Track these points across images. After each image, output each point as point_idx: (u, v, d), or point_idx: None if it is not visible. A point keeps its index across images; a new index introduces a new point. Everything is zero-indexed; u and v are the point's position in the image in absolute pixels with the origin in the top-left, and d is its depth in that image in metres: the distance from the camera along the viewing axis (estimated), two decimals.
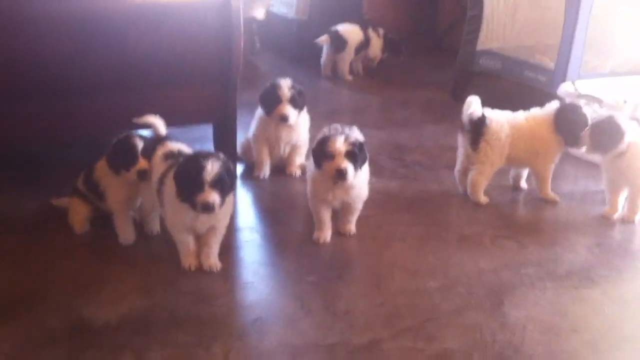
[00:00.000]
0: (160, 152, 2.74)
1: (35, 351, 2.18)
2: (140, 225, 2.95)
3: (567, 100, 3.67)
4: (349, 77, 5.74)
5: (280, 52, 6.32)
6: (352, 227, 2.99)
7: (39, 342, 2.22)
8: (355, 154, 2.71)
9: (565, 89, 3.95)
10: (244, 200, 3.43)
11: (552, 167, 3.37)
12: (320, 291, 2.55)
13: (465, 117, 3.29)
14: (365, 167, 2.90)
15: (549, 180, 3.39)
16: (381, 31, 5.87)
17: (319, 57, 5.79)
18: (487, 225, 3.12)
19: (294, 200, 3.39)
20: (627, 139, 3.05)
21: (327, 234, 2.93)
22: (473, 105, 3.25)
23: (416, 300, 2.50)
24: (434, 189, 3.53)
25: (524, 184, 3.53)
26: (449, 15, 6.82)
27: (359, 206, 2.96)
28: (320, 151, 2.75)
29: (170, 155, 2.69)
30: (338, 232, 2.97)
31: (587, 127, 3.15)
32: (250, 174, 3.62)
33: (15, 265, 2.67)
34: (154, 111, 3.33)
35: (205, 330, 2.28)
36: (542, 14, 5.13)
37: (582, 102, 3.60)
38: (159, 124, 2.86)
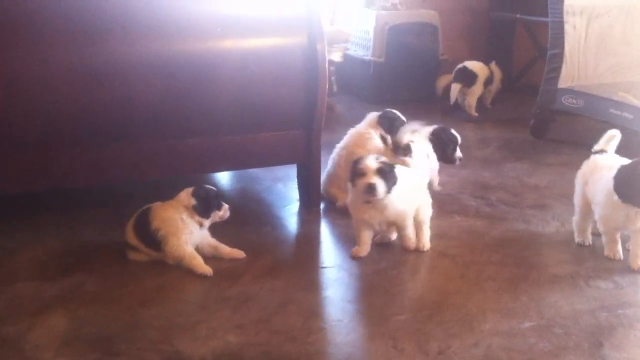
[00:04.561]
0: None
1: None
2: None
3: None
4: (475, 113, 5.78)
5: (357, 93, 6.38)
6: (421, 243, 3.10)
7: None
8: (385, 172, 2.86)
9: None
10: (328, 239, 3.46)
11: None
12: (411, 330, 2.52)
13: None
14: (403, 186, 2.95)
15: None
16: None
17: (395, 98, 5.82)
18: (578, 265, 3.04)
19: None
20: None
21: (363, 250, 3.06)
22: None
23: (511, 341, 2.44)
24: (520, 228, 3.47)
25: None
26: (525, 53, 6.78)
27: (405, 223, 3.02)
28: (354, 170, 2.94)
29: None
30: (426, 270, 2.95)
31: None
32: (332, 211, 3.64)
33: (110, 302, 2.73)
34: (241, 153, 3.44)
35: None
36: (626, 51, 5.05)
37: None
38: None
